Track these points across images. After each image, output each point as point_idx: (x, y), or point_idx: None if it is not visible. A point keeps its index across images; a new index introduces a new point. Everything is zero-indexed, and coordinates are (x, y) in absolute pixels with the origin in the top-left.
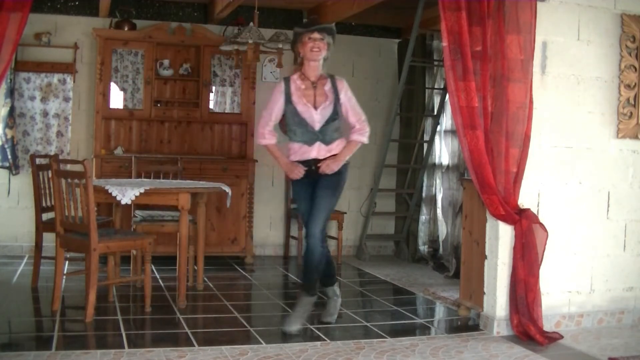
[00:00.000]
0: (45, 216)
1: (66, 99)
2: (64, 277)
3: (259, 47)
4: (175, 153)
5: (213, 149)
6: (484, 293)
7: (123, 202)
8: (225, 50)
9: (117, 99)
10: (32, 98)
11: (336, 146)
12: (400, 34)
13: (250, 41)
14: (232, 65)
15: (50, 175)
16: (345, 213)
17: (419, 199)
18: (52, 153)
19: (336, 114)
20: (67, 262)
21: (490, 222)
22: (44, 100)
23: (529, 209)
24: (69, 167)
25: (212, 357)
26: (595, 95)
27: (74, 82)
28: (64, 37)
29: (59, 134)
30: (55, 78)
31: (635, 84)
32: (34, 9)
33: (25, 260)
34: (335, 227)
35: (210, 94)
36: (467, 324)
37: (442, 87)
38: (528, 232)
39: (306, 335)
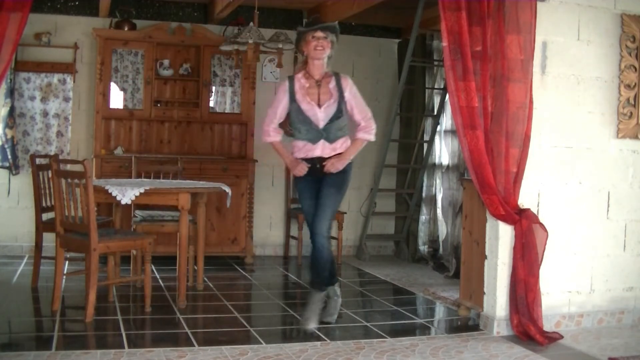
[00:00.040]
0: (45, 216)
1: (66, 99)
2: (64, 277)
3: (259, 47)
4: (175, 153)
5: (213, 149)
6: (484, 293)
7: (123, 202)
8: (225, 50)
9: (117, 99)
10: (32, 98)
11: (340, 145)
12: (400, 34)
13: (250, 41)
14: (232, 65)
15: (50, 175)
16: (345, 213)
17: (419, 199)
18: (52, 153)
19: (340, 112)
20: (67, 262)
21: (490, 222)
22: (44, 100)
23: (529, 209)
24: (69, 167)
25: (212, 357)
26: (595, 95)
27: (74, 82)
28: (64, 37)
29: (59, 134)
30: (55, 78)
31: (635, 84)
32: (34, 9)
33: (25, 260)
34: (335, 227)
35: (210, 94)
36: (467, 324)
37: (442, 87)
38: (528, 232)
39: (306, 335)
